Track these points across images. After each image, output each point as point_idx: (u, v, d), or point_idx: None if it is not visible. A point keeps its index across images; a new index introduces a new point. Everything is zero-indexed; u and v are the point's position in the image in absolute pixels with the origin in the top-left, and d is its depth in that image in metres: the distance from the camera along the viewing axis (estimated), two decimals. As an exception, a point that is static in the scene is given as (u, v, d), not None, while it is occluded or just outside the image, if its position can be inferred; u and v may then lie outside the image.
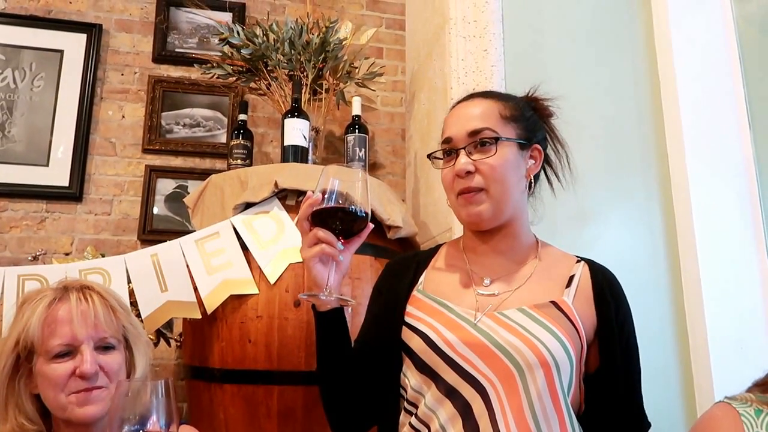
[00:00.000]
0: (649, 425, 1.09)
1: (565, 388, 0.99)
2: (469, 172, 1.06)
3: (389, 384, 1.09)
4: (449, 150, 1.11)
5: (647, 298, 1.74)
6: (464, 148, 1.08)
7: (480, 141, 1.07)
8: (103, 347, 1.08)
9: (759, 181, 1.80)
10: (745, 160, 1.83)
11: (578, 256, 1.16)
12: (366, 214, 1.01)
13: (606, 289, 1.09)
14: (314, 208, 0.99)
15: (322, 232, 0.99)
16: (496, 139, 1.07)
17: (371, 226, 1.05)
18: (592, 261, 1.15)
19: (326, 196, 0.99)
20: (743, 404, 1.11)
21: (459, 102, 1.17)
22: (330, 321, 1.07)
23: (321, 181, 1.01)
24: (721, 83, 1.89)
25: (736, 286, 1.72)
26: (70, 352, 1.04)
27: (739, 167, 1.82)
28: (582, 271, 1.11)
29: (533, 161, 1.13)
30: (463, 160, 1.07)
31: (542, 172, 1.20)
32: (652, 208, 1.84)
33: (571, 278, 1.09)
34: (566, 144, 1.21)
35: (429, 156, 1.16)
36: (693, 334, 1.72)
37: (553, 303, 1.04)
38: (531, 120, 1.15)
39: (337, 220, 1.00)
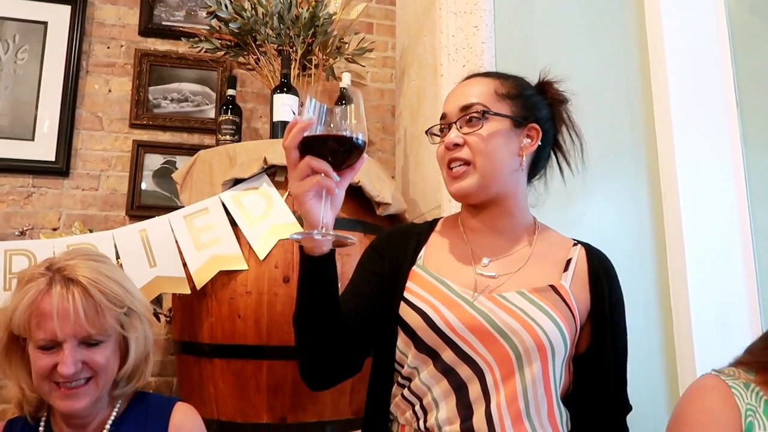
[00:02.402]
0: (630, 408, 1.11)
1: (557, 373, 1.01)
2: (456, 144, 1.08)
3: (381, 353, 1.10)
4: (443, 126, 1.13)
5: (632, 276, 1.77)
6: (456, 123, 1.10)
7: (469, 115, 1.08)
8: (88, 343, 1.05)
9: (745, 160, 1.82)
10: (732, 140, 1.84)
11: (575, 239, 1.17)
12: (363, 141, 0.88)
13: (601, 273, 1.10)
14: (305, 134, 0.86)
15: (315, 162, 0.87)
16: (484, 113, 1.08)
17: (366, 156, 0.94)
18: (589, 245, 1.16)
19: (315, 121, 0.86)
20: (731, 377, 1.14)
21: (460, 82, 1.19)
22: (322, 265, 0.96)
23: (307, 104, 0.87)
24: (710, 62, 1.90)
25: (720, 264, 1.75)
26: (53, 346, 1.03)
27: (726, 146, 1.84)
28: (579, 255, 1.12)
29: (529, 140, 1.12)
30: (453, 134, 1.08)
31: (554, 157, 1.21)
32: (639, 186, 1.85)
33: (569, 262, 1.10)
34: (581, 132, 1.20)
35: (427, 132, 1.17)
36: (677, 311, 1.75)
37: (552, 287, 1.05)
38: (531, 99, 1.14)
39: (331, 148, 0.87)
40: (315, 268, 0.96)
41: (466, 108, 1.09)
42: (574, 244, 1.15)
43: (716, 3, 1.93)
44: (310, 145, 0.86)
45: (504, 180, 1.10)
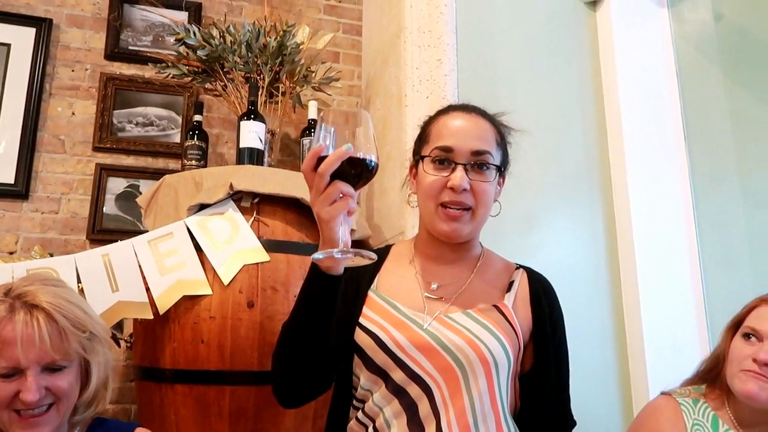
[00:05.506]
0: (574, 423, 1.16)
1: (503, 387, 1.06)
2: (464, 190, 1.08)
3: (339, 379, 1.12)
4: (445, 159, 1.11)
5: (588, 299, 1.83)
6: (464, 165, 1.09)
7: (480, 163, 1.10)
8: (52, 369, 1.04)
9: (692, 189, 1.92)
10: (680, 170, 1.95)
11: (517, 264, 1.23)
12: (376, 163, 0.91)
13: (542, 295, 1.16)
14: (320, 156, 0.88)
15: (345, 186, 0.89)
16: (497, 167, 1.12)
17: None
18: (530, 268, 1.22)
19: (328, 144, 0.88)
20: (682, 395, 1.23)
21: (454, 110, 1.17)
22: (336, 284, 0.98)
23: (317, 130, 0.91)
24: (659, 96, 2.01)
25: (671, 287, 1.83)
26: (15, 373, 1.01)
27: (675, 176, 1.94)
28: (521, 278, 1.18)
29: (499, 187, 1.18)
30: (461, 176, 1.08)
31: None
32: (594, 214, 1.93)
33: (511, 284, 1.17)
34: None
35: (422, 156, 1.14)
36: (630, 332, 1.82)
37: (495, 307, 1.11)
38: (507, 148, 1.20)
39: (356, 172, 0.89)
40: (329, 286, 0.98)
41: (478, 153, 1.10)
42: (517, 268, 1.21)
43: (664, 42, 2.05)
44: (338, 170, 0.88)
45: (484, 225, 1.16)
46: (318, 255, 0.91)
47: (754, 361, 1.15)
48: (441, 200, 1.10)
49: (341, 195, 0.89)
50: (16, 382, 1.01)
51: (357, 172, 0.89)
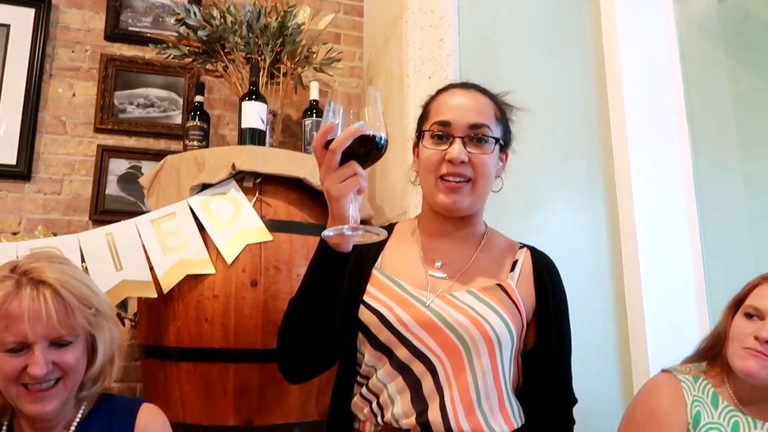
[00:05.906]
0: (576, 400, 1.18)
1: (506, 365, 1.08)
2: (463, 162, 1.09)
3: (344, 355, 1.13)
4: (443, 133, 1.12)
5: (590, 280, 1.84)
6: (462, 138, 1.10)
7: (479, 136, 1.11)
8: (59, 344, 1.05)
9: (695, 170, 1.92)
10: (682, 151, 1.95)
11: (521, 243, 1.24)
12: (386, 141, 0.91)
13: (545, 274, 1.17)
14: (329, 137, 0.89)
15: (359, 166, 0.91)
16: (496, 140, 1.13)
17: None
18: (534, 247, 1.23)
19: (338, 122, 0.89)
20: (682, 372, 1.24)
21: (454, 88, 1.19)
22: (345, 261, 0.99)
23: (326, 109, 0.92)
24: (662, 78, 2.00)
25: (672, 271, 1.84)
26: (22, 348, 1.02)
27: (678, 157, 1.94)
28: (524, 257, 1.19)
29: (501, 163, 1.19)
30: (459, 149, 1.09)
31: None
32: (596, 195, 1.93)
33: (515, 263, 1.17)
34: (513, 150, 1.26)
35: (423, 131, 1.16)
36: (631, 312, 1.84)
37: (499, 285, 1.12)
38: (508, 125, 1.20)
39: (366, 150, 0.90)
40: (338, 264, 0.99)
41: (476, 126, 1.11)
42: (521, 247, 1.22)
43: (667, 23, 2.04)
44: (349, 148, 0.88)
45: (485, 199, 1.17)
46: (328, 232, 0.92)
47: (756, 338, 1.16)
48: (440, 173, 1.11)
49: (353, 173, 0.90)
50: (23, 356, 1.02)
51: (367, 150, 0.90)
